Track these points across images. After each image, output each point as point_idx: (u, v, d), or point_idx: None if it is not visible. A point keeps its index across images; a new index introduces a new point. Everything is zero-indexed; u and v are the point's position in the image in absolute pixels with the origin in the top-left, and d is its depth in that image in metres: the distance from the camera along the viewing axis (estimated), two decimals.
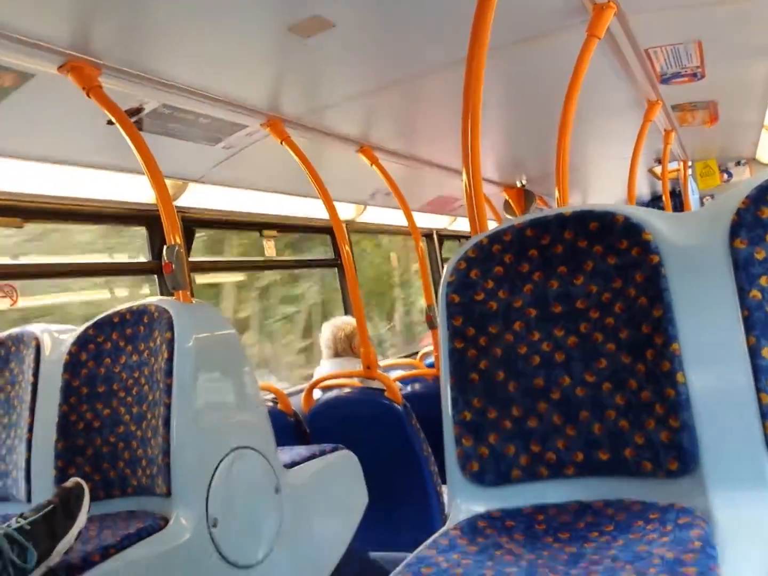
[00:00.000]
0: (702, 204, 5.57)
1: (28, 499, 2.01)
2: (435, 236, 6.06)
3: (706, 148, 5.24)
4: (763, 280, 1.22)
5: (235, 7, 1.94)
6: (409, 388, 3.42)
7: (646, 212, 1.38)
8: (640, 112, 3.50)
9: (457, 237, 6.30)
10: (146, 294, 3.68)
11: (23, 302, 2.72)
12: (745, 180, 1.34)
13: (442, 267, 1.58)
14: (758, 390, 1.19)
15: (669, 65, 2.99)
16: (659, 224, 1.35)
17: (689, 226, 1.35)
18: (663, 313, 1.27)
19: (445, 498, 2.74)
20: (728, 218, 1.26)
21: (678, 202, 5.86)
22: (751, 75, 3.31)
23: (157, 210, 2.21)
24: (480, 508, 1.37)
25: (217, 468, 1.94)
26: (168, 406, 1.89)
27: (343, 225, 3.45)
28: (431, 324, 3.63)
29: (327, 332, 3.69)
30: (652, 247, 1.31)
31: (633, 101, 3.42)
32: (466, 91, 1.75)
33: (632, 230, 1.34)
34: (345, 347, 3.62)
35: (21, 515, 1.51)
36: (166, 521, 1.82)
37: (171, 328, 1.95)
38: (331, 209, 3.10)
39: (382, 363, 3.94)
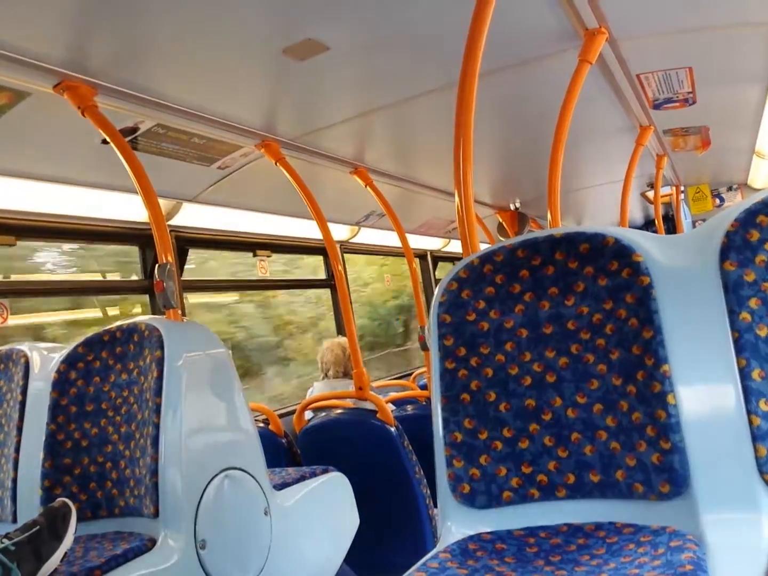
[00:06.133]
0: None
1: (14, 520, 1.98)
2: (429, 257, 6.08)
3: (698, 173, 5.29)
4: (752, 302, 1.23)
5: (230, 28, 1.97)
6: (401, 410, 3.41)
7: (636, 234, 1.39)
8: (632, 137, 3.53)
9: (451, 258, 6.32)
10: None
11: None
12: (735, 203, 1.35)
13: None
14: (749, 412, 1.19)
15: (661, 91, 3.03)
16: (650, 246, 1.35)
17: (679, 249, 1.36)
18: (653, 335, 1.28)
19: (438, 520, 2.72)
20: (718, 241, 1.27)
21: (671, 227, 5.90)
22: (742, 101, 3.35)
23: (150, 229, 2.21)
24: (471, 531, 1.35)
25: (205, 489, 1.92)
26: (157, 426, 1.87)
27: (337, 246, 3.46)
28: (424, 345, 3.63)
29: (326, 353, 3.68)
30: (643, 268, 1.32)
31: (625, 126, 3.46)
32: (458, 115, 1.77)
33: (623, 252, 1.34)
34: (344, 368, 3.61)
35: (6, 535, 1.49)
36: (154, 542, 1.79)
37: (161, 346, 1.94)
38: (324, 230, 3.11)
39: (374, 384, 3.93)
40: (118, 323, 2.11)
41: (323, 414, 3.12)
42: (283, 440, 3.11)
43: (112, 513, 1.97)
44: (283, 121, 2.81)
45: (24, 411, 2.08)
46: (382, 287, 6.31)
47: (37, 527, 1.53)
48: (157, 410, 1.88)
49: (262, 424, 3.09)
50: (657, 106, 3.23)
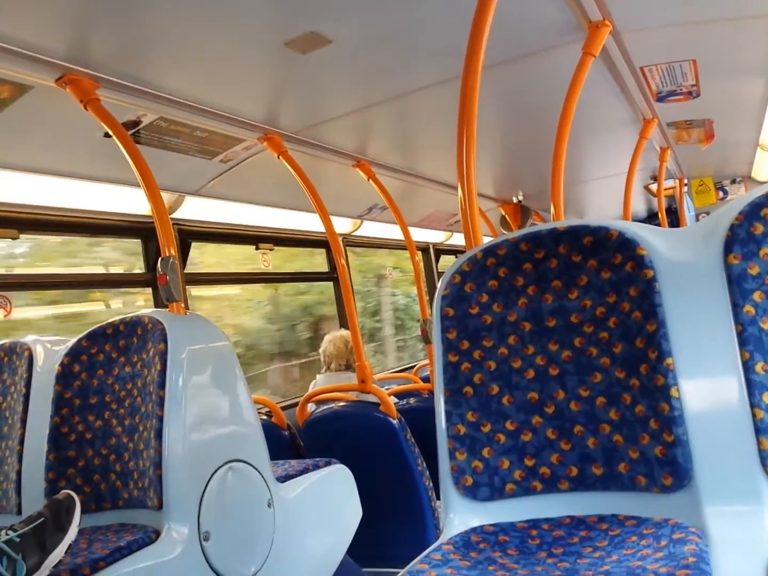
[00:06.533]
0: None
1: (19, 511, 1.99)
2: (431, 250, 6.08)
3: (702, 165, 5.28)
4: (756, 296, 1.22)
5: (233, 21, 1.96)
6: (404, 402, 3.42)
7: (640, 227, 1.39)
8: (635, 130, 3.52)
9: (454, 251, 6.32)
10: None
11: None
12: (739, 196, 1.35)
13: (439, 281, 1.60)
14: (752, 405, 1.19)
15: (664, 83, 3.02)
16: (653, 239, 1.35)
17: (683, 242, 1.36)
18: (657, 328, 1.28)
19: (440, 513, 2.73)
20: (722, 234, 1.27)
21: (674, 220, 5.88)
22: (746, 94, 3.34)
23: (153, 222, 2.21)
24: (473, 523, 1.36)
25: (209, 481, 1.93)
26: (160, 419, 1.87)
27: (339, 239, 3.46)
28: (426, 338, 3.64)
29: (328, 345, 3.69)
30: (647, 261, 1.32)
31: (628, 119, 3.45)
32: (462, 107, 1.76)
33: (626, 245, 1.34)
34: (346, 361, 3.62)
35: (11, 527, 1.50)
36: (158, 534, 1.80)
37: (164, 339, 1.94)
38: (327, 223, 3.11)
39: (377, 376, 3.94)
40: (122, 316, 2.12)
41: (326, 406, 3.12)
42: (286, 433, 3.12)
43: (116, 505, 1.97)
44: (286, 114, 2.81)
45: (28, 404, 2.08)
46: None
47: (42, 519, 1.54)
48: (161, 403, 1.89)
49: (265, 417, 3.10)
50: (661, 99, 3.22)
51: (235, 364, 2.17)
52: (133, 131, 2.43)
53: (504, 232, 5.34)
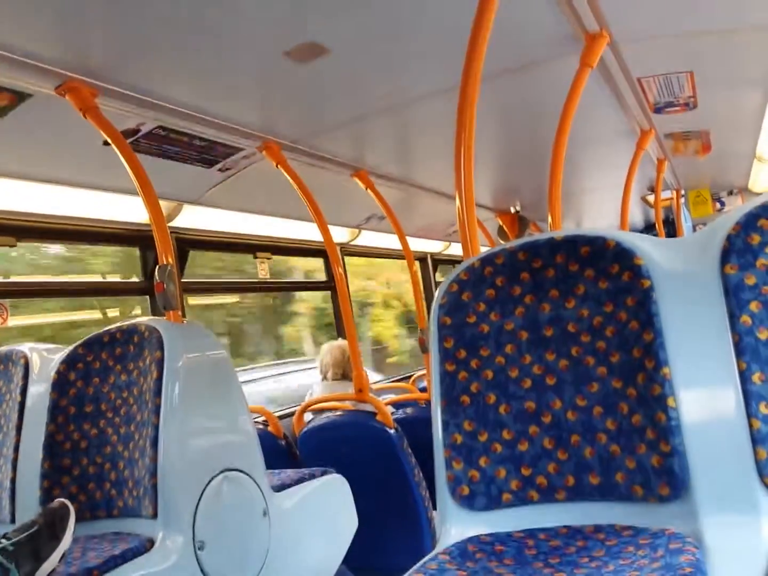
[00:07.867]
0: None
1: (12, 520, 1.98)
2: (429, 260, 6.09)
3: (699, 177, 5.29)
4: (753, 306, 1.23)
5: (232, 31, 1.97)
6: (401, 412, 3.41)
7: (637, 237, 1.39)
8: (632, 141, 3.53)
9: (452, 261, 6.32)
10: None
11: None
12: (736, 207, 1.35)
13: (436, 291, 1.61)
14: (749, 415, 1.19)
15: (661, 95, 3.03)
16: (650, 249, 1.36)
17: (680, 252, 1.36)
18: (654, 338, 1.28)
19: (437, 522, 2.72)
20: (719, 244, 1.27)
21: (671, 231, 5.89)
22: (743, 105, 3.35)
23: (151, 230, 2.21)
24: (470, 532, 1.35)
25: (204, 490, 1.92)
26: (156, 427, 1.87)
27: (337, 248, 3.46)
28: (423, 347, 3.63)
29: (325, 354, 3.68)
30: (644, 271, 1.32)
31: (626, 130, 3.46)
32: (460, 118, 1.77)
33: (623, 255, 1.35)
34: (342, 371, 3.62)
35: (4, 535, 1.49)
36: (152, 543, 1.79)
37: (161, 347, 1.94)
38: (325, 232, 3.11)
39: (374, 386, 3.93)
40: (118, 324, 2.11)
41: (323, 416, 3.12)
42: (283, 442, 3.12)
43: (111, 514, 1.96)
44: (284, 124, 2.81)
45: (23, 412, 2.08)
46: None
47: (36, 527, 1.53)
48: (157, 411, 1.88)
49: (261, 426, 3.09)
50: (658, 110, 3.23)
51: (231, 372, 2.16)
52: (132, 139, 2.43)
53: (501, 242, 5.35)
